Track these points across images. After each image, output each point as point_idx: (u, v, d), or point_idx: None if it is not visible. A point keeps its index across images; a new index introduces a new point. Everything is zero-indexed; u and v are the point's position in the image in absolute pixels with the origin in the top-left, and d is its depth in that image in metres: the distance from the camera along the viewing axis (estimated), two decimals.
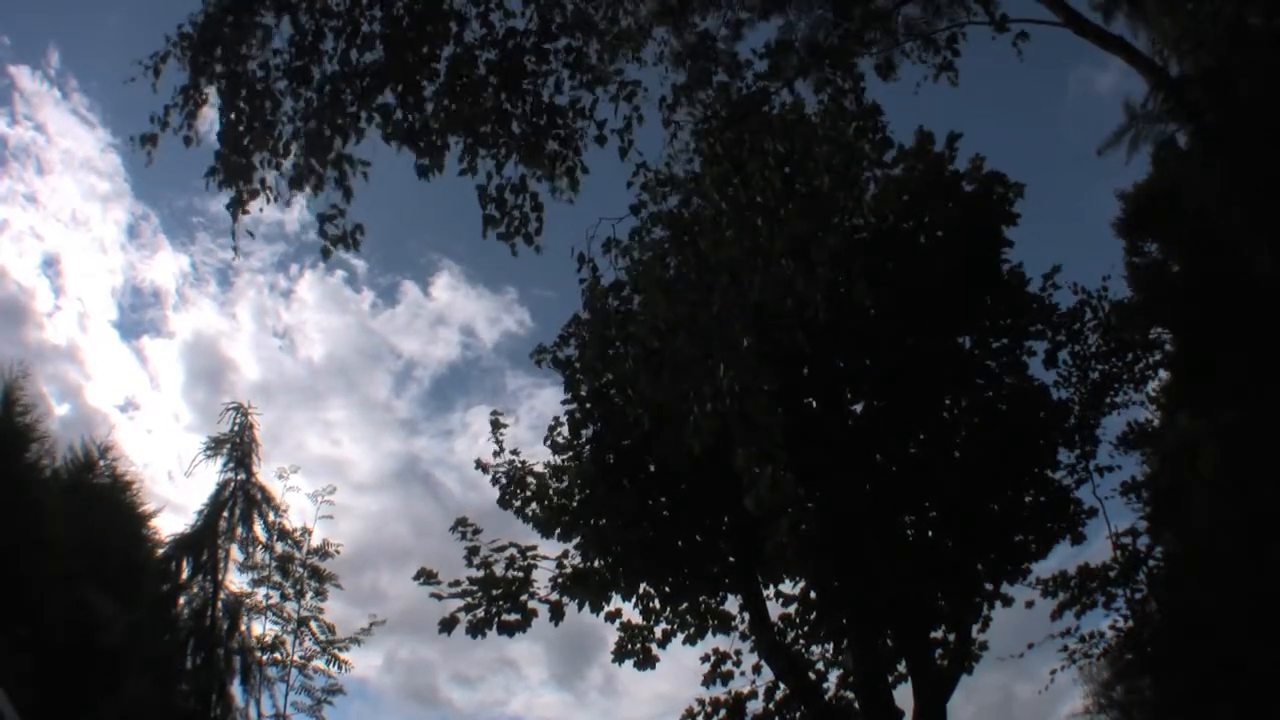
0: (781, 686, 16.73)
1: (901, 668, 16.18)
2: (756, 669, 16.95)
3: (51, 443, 19.52)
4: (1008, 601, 16.40)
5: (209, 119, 8.19)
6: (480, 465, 17.24)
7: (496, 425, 17.19)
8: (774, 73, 10.05)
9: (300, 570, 20.66)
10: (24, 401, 18.74)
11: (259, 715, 19.79)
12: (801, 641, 16.87)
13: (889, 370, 15.59)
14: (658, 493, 16.08)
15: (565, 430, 16.77)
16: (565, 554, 16.67)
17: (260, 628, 20.56)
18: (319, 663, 20.56)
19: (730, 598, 16.93)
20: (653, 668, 17.01)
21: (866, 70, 10.50)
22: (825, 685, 17.07)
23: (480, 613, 16.23)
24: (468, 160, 8.33)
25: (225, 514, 20.39)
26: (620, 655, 17.04)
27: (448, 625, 16.20)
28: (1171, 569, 16.74)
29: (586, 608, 16.42)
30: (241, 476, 20.80)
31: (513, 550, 16.70)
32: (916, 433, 16.09)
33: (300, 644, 20.54)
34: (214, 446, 20.94)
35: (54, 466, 19.73)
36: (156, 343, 58.04)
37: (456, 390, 67.26)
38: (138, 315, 58.19)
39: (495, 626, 16.16)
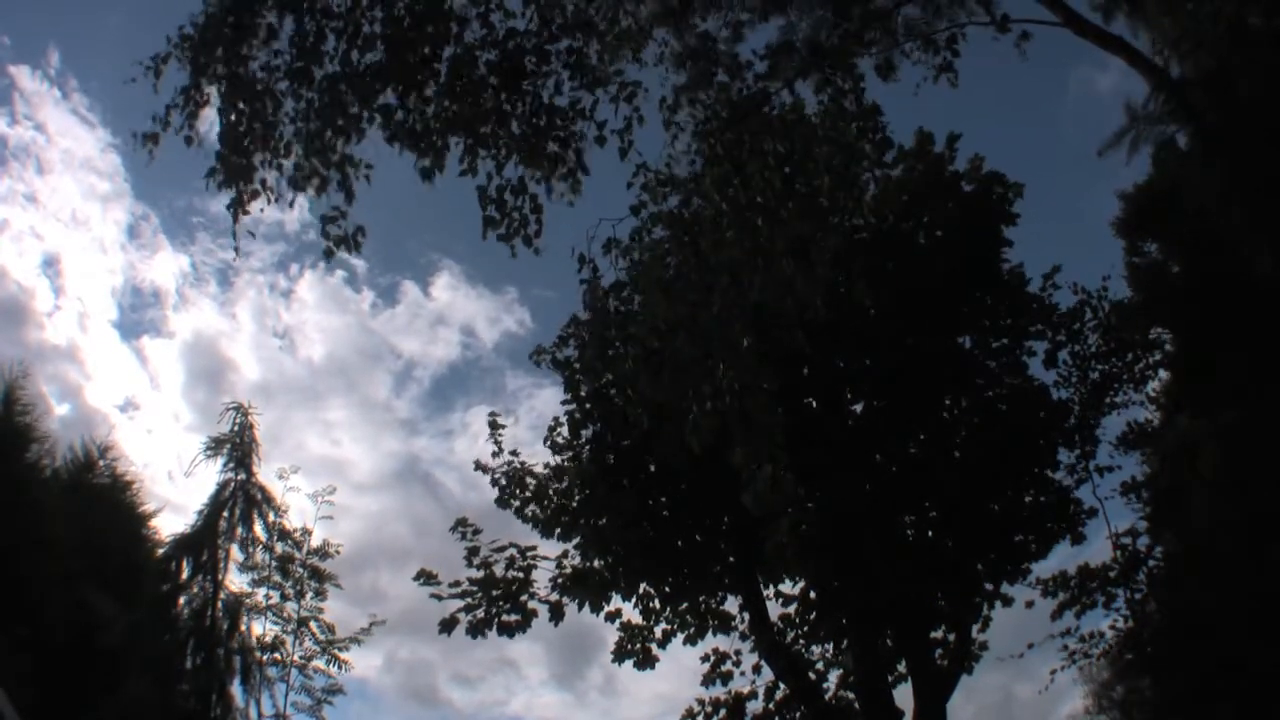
0: (781, 686, 16.74)
1: (901, 668, 16.18)
2: (756, 669, 16.98)
3: (51, 443, 19.53)
4: (1008, 601, 16.41)
5: (209, 119, 8.20)
6: (479, 466, 17.26)
7: (494, 426, 17.21)
8: (774, 73, 10.05)
9: (300, 570, 20.66)
10: (24, 401, 18.75)
11: (259, 715, 19.79)
12: (801, 641, 16.87)
13: (889, 370, 15.59)
14: (658, 493, 16.08)
15: (565, 431, 16.79)
16: (565, 554, 16.69)
17: (260, 628, 20.58)
18: (319, 663, 20.57)
19: (730, 598, 16.95)
20: (652, 668, 17.03)
21: (866, 71, 10.51)
22: (825, 685, 17.09)
23: (480, 613, 16.22)
24: (468, 161, 8.33)
25: (225, 514, 20.38)
26: (620, 655, 17.04)
27: (448, 626, 16.20)
28: (1171, 569, 16.74)
29: (586, 608, 16.43)
30: (241, 476, 20.79)
31: (513, 550, 16.71)
32: (916, 433, 16.09)
33: (300, 644, 20.54)
34: (214, 446, 20.93)
35: (54, 466, 19.73)
36: (156, 343, 58.08)
37: (456, 390, 67.31)
38: (138, 315, 58.23)
39: (495, 627, 16.16)
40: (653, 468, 15.76)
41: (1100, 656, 17.74)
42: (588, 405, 16.35)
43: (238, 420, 21.25)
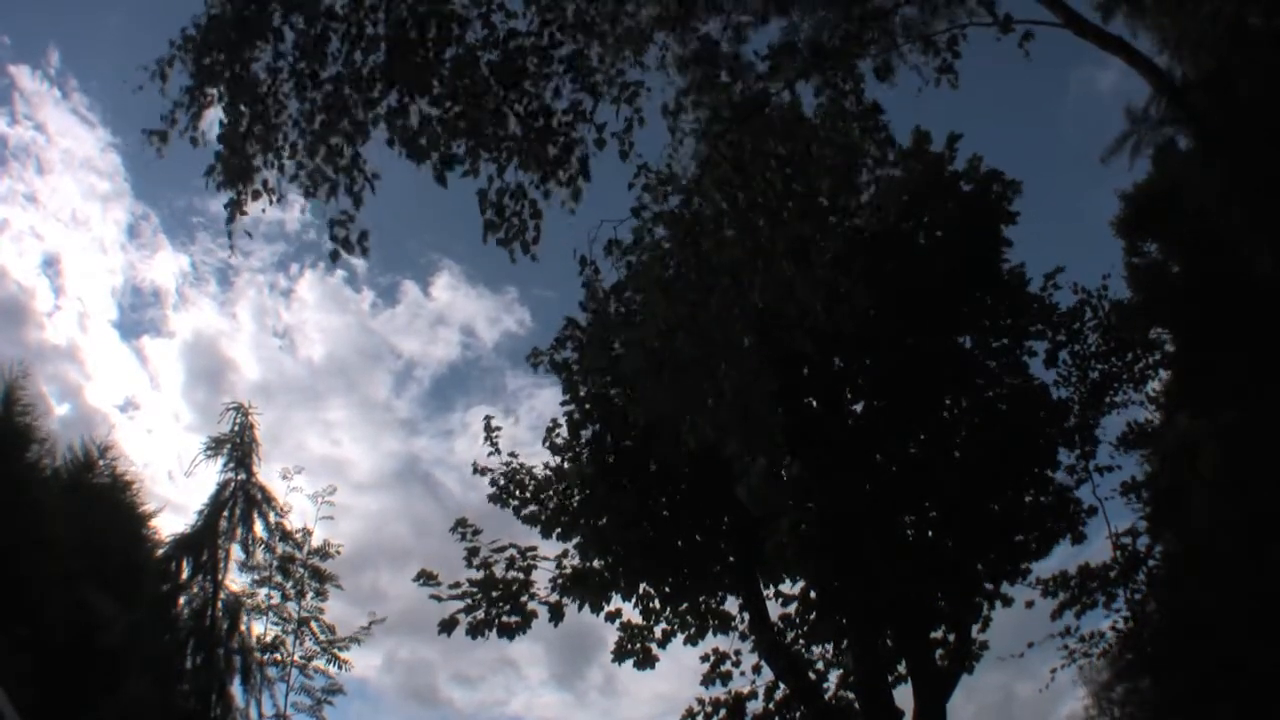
0: (781, 686, 16.72)
1: (901, 668, 16.17)
2: (756, 669, 16.94)
3: (51, 443, 19.57)
4: (1008, 601, 16.39)
5: (213, 120, 8.21)
6: (478, 469, 17.26)
7: (490, 429, 17.21)
8: (775, 74, 10.05)
9: (301, 570, 20.68)
10: (24, 402, 18.77)
11: (259, 715, 19.83)
12: (801, 641, 16.85)
13: (889, 370, 15.58)
14: (658, 493, 16.08)
15: (564, 432, 16.79)
16: (565, 554, 16.69)
17: (261, 628, 20.60)
18: (319, 663, 20.59)
19: (730, 598, 16.93)
20: (652, 668, 17.00)
21: (867, 72, 10.51)
22: (825, 685, 17.06)
23: (480, 614, 16.22)
24: (470, 162, 8.34)
25: (225, 514, 20.40)
26: (620, 655, 17.03)
27: (447, 626, 16.19)
28: (1171, 569, 16.74)
29: (586, 608, 16.43)
30: (241, 476, 20.82)
31: (513, 551, 16.69)
32: (916, 433, 16.08)
33: (300, 644, 20.57)
34: (214, 446, 20.97)
35: (54, 466, 19.76)
36: (156, 343, 58.00)
37: (456, 390, 67.25)
38: (138, 315, 58.15)
39: (495, 628, 16.16)
40: (653, 468, 15.75)
41: (1100, 656, 17.75)
42: (587, 406, 16.35)
43: (238, 420, 21.30)
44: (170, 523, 40.51)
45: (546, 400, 67.80)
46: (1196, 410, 15.73)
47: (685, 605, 16.82)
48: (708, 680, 17.15)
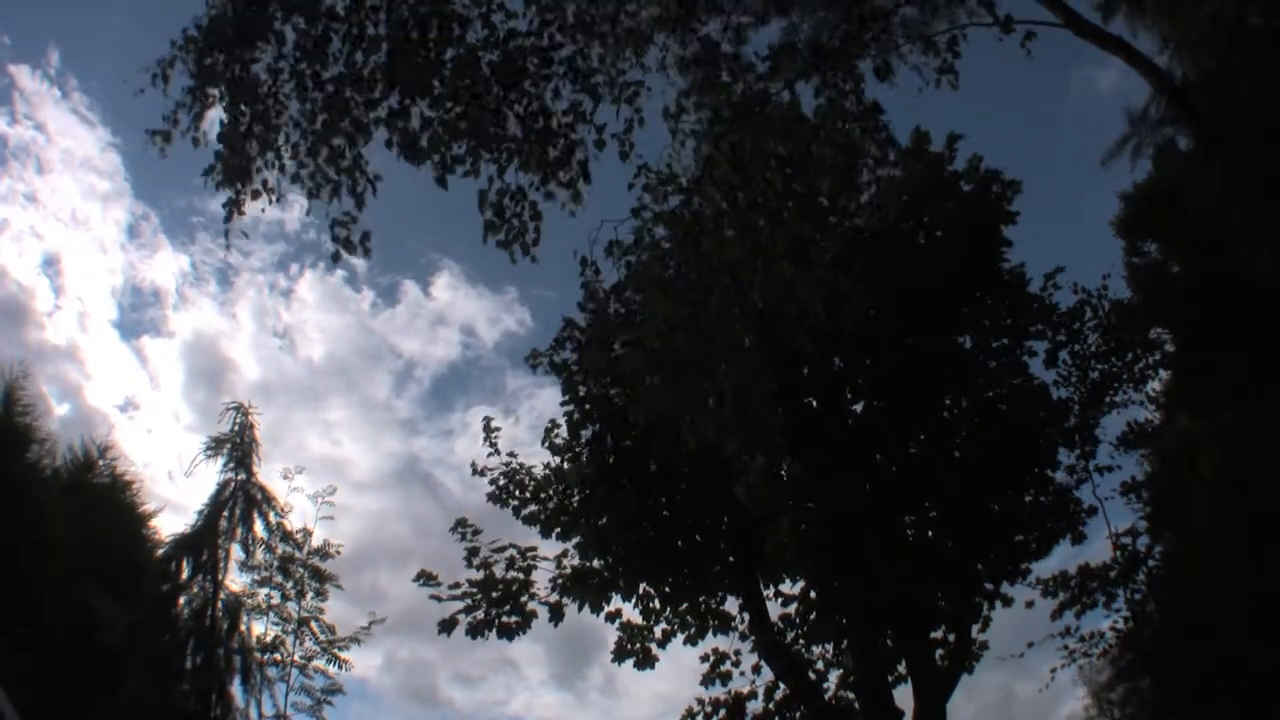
0: (781, 686, 16.72)
1: (901, 668, 16.17)
2: (756, 669, 16.94)
3: (51, 443, 19.57)
4: (1008, 601, 16.39)
5: (215, 119, 8.21)
6: (477, 470, 17.25)
7: (489, 430, 17.21)
8: (775, 74, 10.05)
9: (301, 570, 20.69)
10: (24, 402, 18.77)
11: (259, 715, 19.84)
12: (801, 641, 16.85)
13: (889, 370, 15.58)
14: (658, 493, 16.08)
15: (563, 432, 16.79)
16: (565, 554, 16.69)
17: (261, 628, 20.61)
18: (320, 663, 20.60)
19: (730, 598, 16.93)
20: (652, 667, 17.00)
21: (867, 72, 10.50)
22: (825, 685, 17.07)
23: (480, 614, 16.22)
24: (471, 163, 8.34)
25: (225, 514, 20.40)
26: (620, 655, 17.03)
27: (447, 626, 16.19)
28: (1171, 569, 16.75)
29: (586, 608, 16.43)
30: (241, 476, 20.83)
31: (512, 551, 16.69)
32: (916, 433, 16.08)
33: (300, 644, 20.58)
34: (214, 446, 20.98)
35: (54, 466, 19.75)
36: (156, 342, 58.00)
37: (457, 390, 67.25)
38: (138, 315, 58.15)
39: (495, 629, 16.16)
40: (653, 468, 15.75)
41: (1100, 656, 17.76)
42: (587, 406, 16.35)
43: (238, 420, 21.31)
44: (170, 523, 40.52)
45: (546, 400, 67.83)
46: (1196, 410, 15.73)
47: (685, 605, 16.82)
48: (708, 680, 17.15)
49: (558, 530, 16.48)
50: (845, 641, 16.33)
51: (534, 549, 16.73)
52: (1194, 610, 14.88)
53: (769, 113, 9.99)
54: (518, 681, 49.40)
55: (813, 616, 16.45)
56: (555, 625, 16.52)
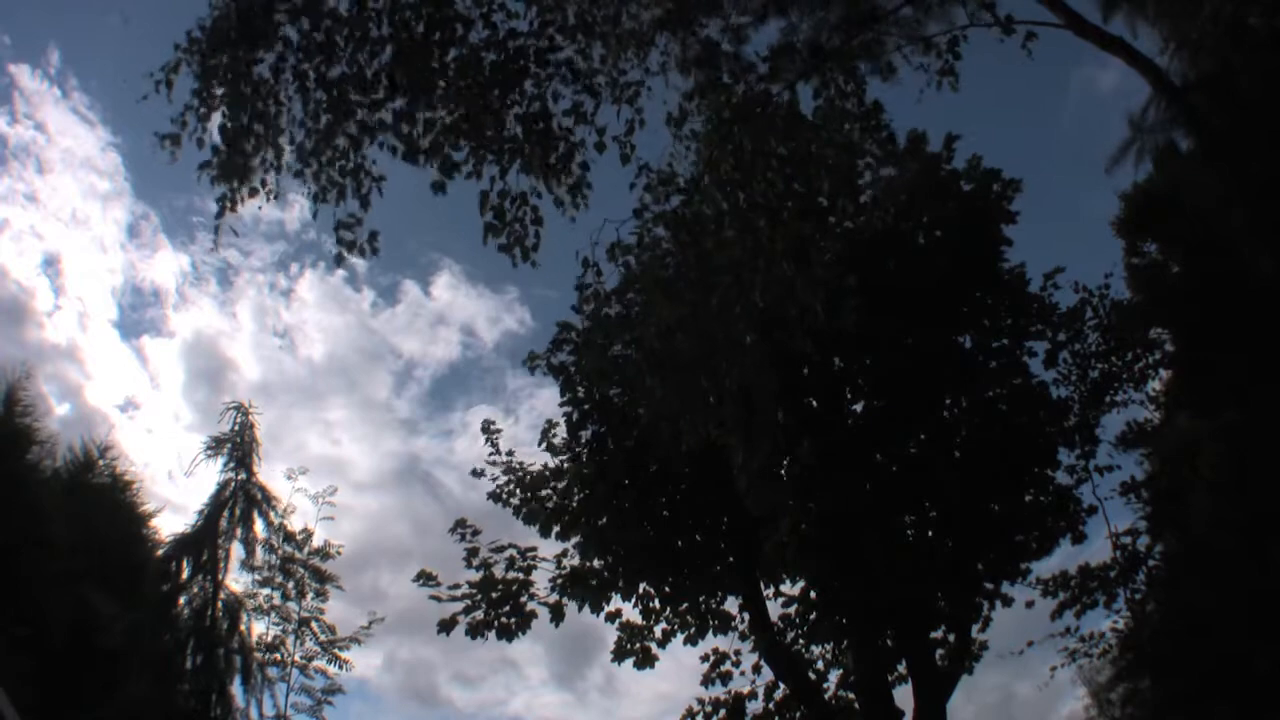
0: (781, 686, 16.73)
1: (901, 668, 16.18)
2: (756, 669, 16.97)
3: (51, 443, 19.56)
4: (1008, 601, 16.40)
5: (219, 119, 8.20)
6: (477, 472, 17.26)
7: (489, 431, 17.21)
8: (775, 75, 10.04)
9: (301, 570, 20.69)
10: (25, 403, 18.76)
11: (259, 715, 19.83)
12: (801, 641, 16.87)
13: (889, 370, 15.58)
14: (658, 493, 16.08)
15: (561, 432, 16.82)
16: (565, 554, 16.70)
17: (262, 628, 20.62)
18: (320, 663, 20.62)
19: (730, 598, 16.94)
20: (652, 667, 17.02)
21: (868, 72, 10.50)
22: (825, 685, 17.08)
23: (479, 615, 16.23)
24: (473, 164, 8.33)
25: (225, 514, 20.40)
26: (620, 655, 17.04)
27: (447, 626, 16.20)
28: (1171, 569, 16.75)
29: (587, 608, 16.43)
30: (242, 476, 20.82)
31: (512, 551, 16.71)
32: (916, 432, 16.07)
33: (301, 644, 20.59)
34: (214, 446, 20.98)
35: (54, 466, 19.75)
36: (156, 342, 58.11)
37: (457, 390, 67.34)
38: (138, 315, 58.25)
39: (495, 629, 16.16)
40: (653, 468, 15.76)
41: (1100, 656, 17.78)
42: (586, 406, 16.35)
43: (238, 420, 21.30)
44: (170, 523, 40.69)
45: (547, 400, 67.97)
46: (1196, 410, 15.73)
47: (685, 605, 16.83)
48: (708, 680, 17.17)
49: (557, 530, 16.49)
50: (845, 641, 16.34)
51: (534, 549, 16.77)
52: (1194, 610, 14.88)
53: (770, 113, 9.99)
54: (518, 681, 49.49)
55: (813, 616, 16.46)
56: (556, 625, 16.55)
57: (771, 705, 16.95)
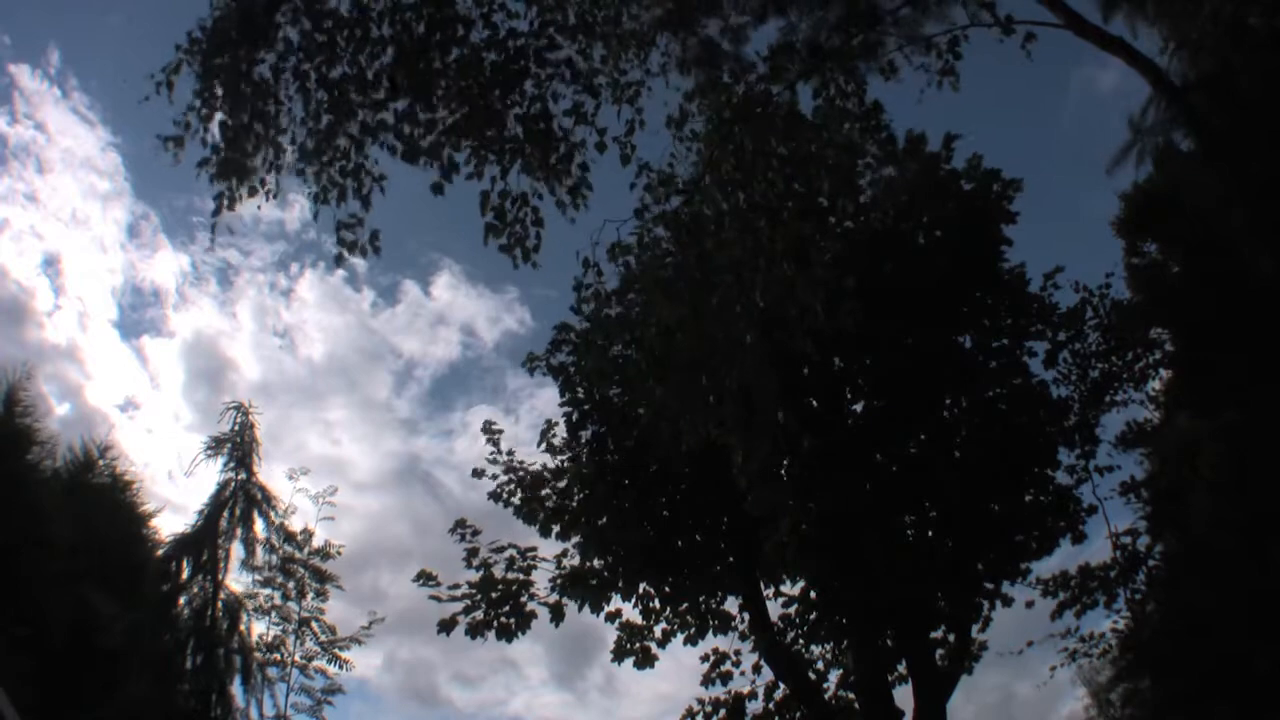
0: (781, 686, 16.74)
1: (901, 668, 16.18)
2: (756, 669, 16.98)
3: (52, 443, 19.54)
4: (1008, 601, 16.42)
5: (221, 119, 8.19)
6: (478, 473, 17.25)
7: (490, 432, 17.21)
8: (775, 75, 10.04)
9: (302, 570, 20.69)
10: (25, 403, 18.75)
11: (259, 715, 19.83)
12: (801, 641, 16.87)
13: (889, 370, 15.58)
14: (658, 493, 16.09)
15: (561, 432, 16.83)
16: (565, 554, 16.70)
17: (262, 628, 20.62)
18: (321, 663, 20.62)
19: (730, 598, 16.95)
20: (651, 666, 17.03)
21: (868, 72, 10.49)
22: (825, 685, 17.09)
23: (479, 615, 16.23)
24: (474, 164, 8.33)
25: (225, 514, 20.39)
26: (620, 655, 17.04)
27: (446, 627, 16.21)
28: (1171, 569, 16.76)
29: (587, 608, 16.44)
30: (242, 476, 20.81)
31: (512, 551, 16.71)
32: (916, 433, 16.08)
33: (301, 644, 20.59)
34: (214, 446, 20.96)
35: (54, 466, 19.73)
36: (156, 342, 58.15)
37: (457, 390, 67.37)
38: (138, 315, 58.29)
39: (494, 629, 16.16)
40: (653, 468, 15.76)
41: (1100, 656, 17.79)
42: (585, 407, 16.36)
43: (238, 420, 21.29)
44: (170, 523, 40.68)
45: (547, 400, 68.05)
46: (1196, 410, 15.73)
47: (685, 605, 16.84)
48: (708, 680, 17.17)
49: (557, 530, 16.49)
50: (845, 641, 16.35)
51: (534, 549, 16.77)
52: (1194, 610, 14.88)
53: (770, 113, 10.00)
54: (518, 681, 49.53)
55: (813, 616, 16.47)
56: (556, 625, 16.55)
57: (771, 705, 16.96)
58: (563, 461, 16.84)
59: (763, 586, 16.62)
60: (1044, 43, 10.25)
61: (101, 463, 20.90)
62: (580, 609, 16.45)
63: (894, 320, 15.24)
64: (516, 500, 16.97)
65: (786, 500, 14.71)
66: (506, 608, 16.32)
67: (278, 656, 20.40)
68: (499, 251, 8.37)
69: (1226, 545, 14.26)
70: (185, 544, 20.18)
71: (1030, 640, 18.20)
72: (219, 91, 7.95)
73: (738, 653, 17.14)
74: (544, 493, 16.81)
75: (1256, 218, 11.33)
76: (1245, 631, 13.65)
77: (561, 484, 16.70)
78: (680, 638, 17.05)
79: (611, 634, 17.05)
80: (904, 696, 15.66)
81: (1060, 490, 16.42)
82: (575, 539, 16.48)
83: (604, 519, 16.05)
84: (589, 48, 8.69)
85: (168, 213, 58.29)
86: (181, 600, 20.09)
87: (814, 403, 16.03)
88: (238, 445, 20.97)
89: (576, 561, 16.53)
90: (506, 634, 16.18)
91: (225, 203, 8.12)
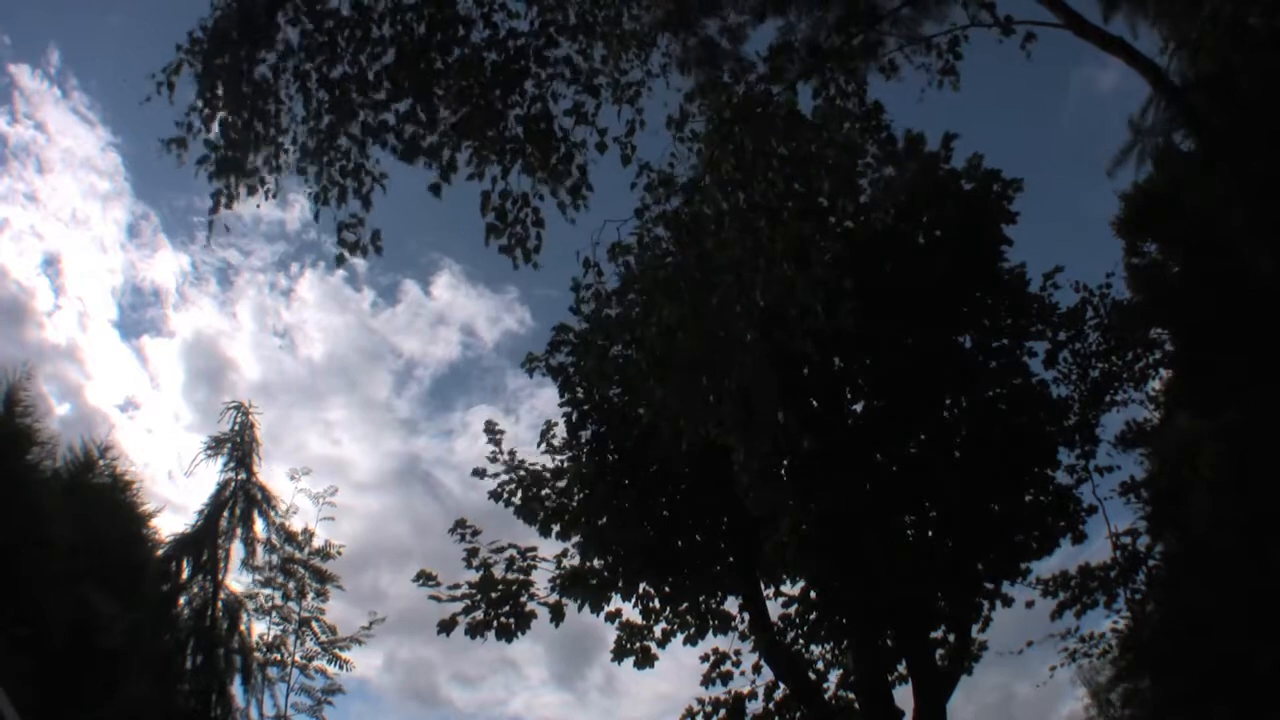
0: (781, 686, 16.74)
1: (901, 668, 16.18)
2: (756, 669, 16.97)
3: (52, 443, 19.54)
4: (1008, 601, 16.42)
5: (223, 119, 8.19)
6: (478, 473, 17.26)
7: (492, 432, 17.22)
8: (775, 75, 10.05)
9: (302, 571, 20.69)
10: (25, 403, 18.75)
11: (259, 715, 19.83)
12: (801, 641, 16.87)
13: (889, 370, 15.59)
14: (658, 493, 16.09)
15: (561, 432, 16.83)
16: (565, 554, 16.70)
17: (262, 628, 20.62)
18: (321, 663, 20.62)
19: (730, 598, 16.95)
20: (651, 666, 17.02)
21: (868, 71, 10.49)
22: (825, 685, 17.09)
23: (479, 615, 16.24)
24: (475, 164, 8.34)
25: (225, 514, 20.39)
26: (619, 655, 17.04)
27: (446, 627, 16.21)
28: (1171, 569, 16.76)
29: (587, 608, 16.44)
30: (242, 476, 20.82)
31: (512, 551, 16.72)
32: (916, 433, 16.08)
33: (301, 644, 20.59)
34: (214, 446, 20.96)
35: (54, 466, 19.73)
36: (156, 342, 58.18)
37: (457, 390, 67.39)
38: (138, 315, 58.31)
39: (494, 629, 16.17)
40: (653, 468, 15.76)
41: (1100, 656, 17.80)
42: (585, 407, 16.36)
43: (238, 419, 21.29)
44: (170, 523, 40.69)
45: (547, 400, 68.14)
46: (1196, 410, 15.74)
47: (685, 605, 16.84)
48: (708, 680, 17.17)
49: (557, 530, 16.50)
50: (845, 641, 16.35)
51: (534, 549, 16.77)
52: (1194, 610, 14.89)
53: (770, 113, 10.00)
54: (518, 681, 49.54)
55: (813, 616, 16.47)
56: (556, 625, 16.55)
57: (771, 705, 16.96)
58: (563, 461, 16.84)
59: (763, 586, 16.62)
60: (1044, 43, 10.27)
61: (101, 463, 20.91)
62: (580, 609, 16.46)
63: (894, 320, 15.24)
64: (517, 500, 16.97)
65: (786, 500, 14.71)
66: (506, 608, 16.33)
67: (278, 656, 20.41)
68: (499, 252, 8.38)
69: (1226, 545, 14.26)
70: (185, 544, 20.18)
71: (1030, 640, 18.23)
72: (219, 92, 7.94)
73: (738, 653, 17.17)
74: (544, 493, 16.82)
75: (1256, 218, 11.34)
76: (1245, 631, 13.65)
77: (561, 484, 16.71)
78: (680, 638, 17.06)
79: (611, 634, 17.08)
80: (904, 696, 15.69)
81: (1060, 490, 16.42)
82: (575, 539, 16.48)
83: (604, 519, 16.05)
84: (589, 48, 8.69)
85: (168, 213, 58.36)
86: (181, 600, 20.10)
87: (814, 403, 16.03)
88: (238, 445, 20.97)
89: (576, 561, 16.53)
90: (506, 634, 16.18)
91: (223, 201, 8.11)
